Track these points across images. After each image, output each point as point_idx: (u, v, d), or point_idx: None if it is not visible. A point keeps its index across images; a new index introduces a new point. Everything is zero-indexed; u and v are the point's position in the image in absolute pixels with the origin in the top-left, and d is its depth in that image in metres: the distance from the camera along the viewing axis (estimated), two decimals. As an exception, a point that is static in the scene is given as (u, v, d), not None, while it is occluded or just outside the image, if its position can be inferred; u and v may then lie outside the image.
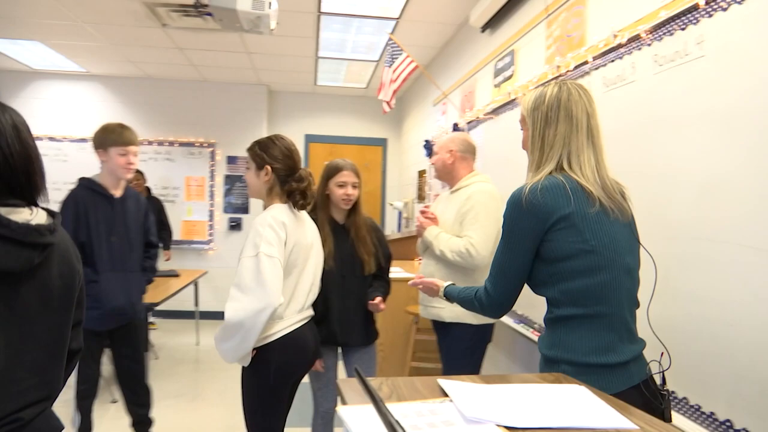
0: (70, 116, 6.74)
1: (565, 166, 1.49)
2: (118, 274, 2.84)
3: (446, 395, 1.18)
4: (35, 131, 7.23)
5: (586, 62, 2.43)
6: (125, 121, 7.28)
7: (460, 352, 2.67)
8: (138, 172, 5.81)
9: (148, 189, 5.75)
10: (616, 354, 1.44)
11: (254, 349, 2.05)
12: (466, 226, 2.61)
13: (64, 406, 3.16)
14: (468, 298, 1.72)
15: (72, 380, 2.86)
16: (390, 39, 4.18)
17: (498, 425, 1.03)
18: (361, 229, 2.62)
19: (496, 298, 1.60)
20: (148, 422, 3.10)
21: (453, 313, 2.61)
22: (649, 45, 2.00)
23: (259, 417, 2.16)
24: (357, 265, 2.59)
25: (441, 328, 2.71)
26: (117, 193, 2.88)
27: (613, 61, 2.25)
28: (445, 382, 1.22)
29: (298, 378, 2.26)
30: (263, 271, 1.95)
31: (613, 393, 1.31)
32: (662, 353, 1.50)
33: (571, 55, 2.60)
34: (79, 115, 6.74)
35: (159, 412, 3.08)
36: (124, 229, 2.87)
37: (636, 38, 2.07)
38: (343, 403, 1.16)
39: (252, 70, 6.27)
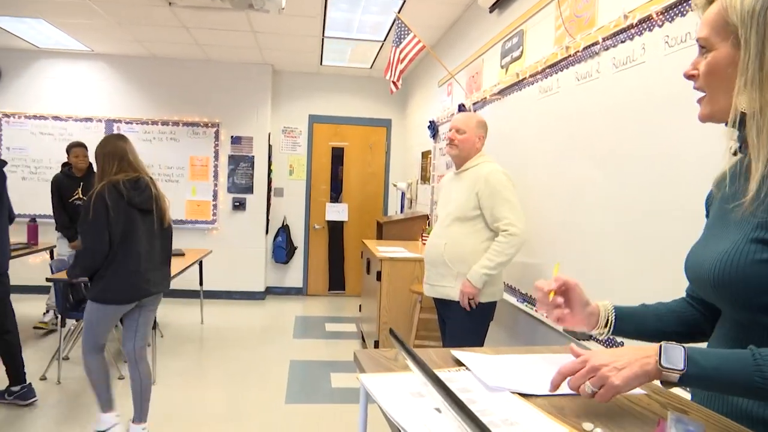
0: (75, 95, 6.73)
1: None
2: None
3: (460, 365, 1.22)
4: (40, 110, 7.05)
5: (596, 43, 2.44)
6: (130, 100, 7.14)
7: (466, 328, 2.72)
8: (82, 146, 5.18)
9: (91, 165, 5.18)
10: None
11: None
12: (498, 209, 2.66)
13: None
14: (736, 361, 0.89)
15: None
16: (397, 18, 4.16)
17: (513, 392, 1.07)
18: None
19: None
20: None
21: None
22: (660, 26, 2.01)
23: None
24: None
25: (448, 306, 2.76)
26: None
27: (623, 42, 2.26)
28: (460, 353, 1.27)
29: None
30: None
31: None
32: None
33: (580, 35, 2.60)
34: (83, 94, 6.74)
35: (163, 390, 3.11)
36: None
37: (647, 19, 2.08)
38: (361, 371, 1.20)
39: (257, 49, 6.25)
